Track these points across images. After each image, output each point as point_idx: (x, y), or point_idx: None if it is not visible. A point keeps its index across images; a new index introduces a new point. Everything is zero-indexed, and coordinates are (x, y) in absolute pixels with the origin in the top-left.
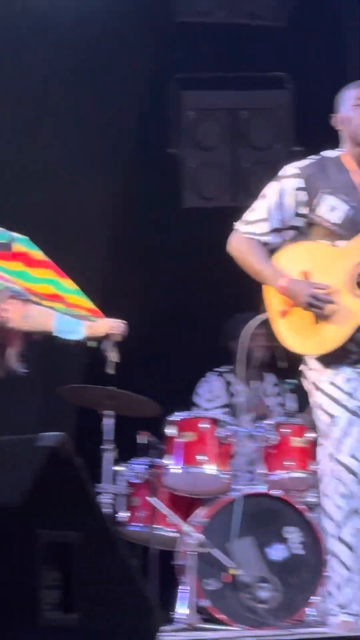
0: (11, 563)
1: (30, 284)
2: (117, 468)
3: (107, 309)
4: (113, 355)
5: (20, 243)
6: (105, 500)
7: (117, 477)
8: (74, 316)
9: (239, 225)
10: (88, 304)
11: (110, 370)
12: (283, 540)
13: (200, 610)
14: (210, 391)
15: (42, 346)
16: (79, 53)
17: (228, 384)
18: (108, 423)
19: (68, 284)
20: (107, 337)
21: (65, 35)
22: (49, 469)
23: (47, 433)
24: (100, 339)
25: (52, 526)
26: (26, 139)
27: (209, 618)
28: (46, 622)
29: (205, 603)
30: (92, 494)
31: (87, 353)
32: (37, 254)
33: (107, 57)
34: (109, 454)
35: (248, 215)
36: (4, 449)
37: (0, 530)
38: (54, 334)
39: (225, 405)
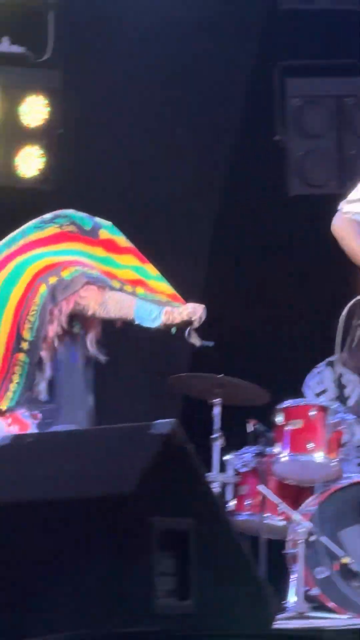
0: (127, 551)
1: (115, 270)
2: (225, 457)
3: (212, 297)
4: (195, 340)
5: (106, 229)
6: (213, 489)
7: (226, 465)
8: (154, 301)
9: (342, 205)
10: (169, 289)
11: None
12: None
13: (311, 599)
14: (321, 382)
15: (147, 335)
16: (183, 42)
17: (340, 375)
18: (217, 412)
19: (150, 269)
20: (187, 322)
21: (170, 25)
22: (163, 457)
23: (159, 421)
24: (179, 325)
25: (166, 513)
26: (130, 128)
27: (319, 606)
28: (161, 609)
29: (315, 591)
30: (205, 481)
31: None
32: (122, 240)
33: (211, 46)
34: (217, 442)
35: (350, 195)
36: (117, 437)
37: (115, 518)
38: (135, 322)
39: (336, 398)
